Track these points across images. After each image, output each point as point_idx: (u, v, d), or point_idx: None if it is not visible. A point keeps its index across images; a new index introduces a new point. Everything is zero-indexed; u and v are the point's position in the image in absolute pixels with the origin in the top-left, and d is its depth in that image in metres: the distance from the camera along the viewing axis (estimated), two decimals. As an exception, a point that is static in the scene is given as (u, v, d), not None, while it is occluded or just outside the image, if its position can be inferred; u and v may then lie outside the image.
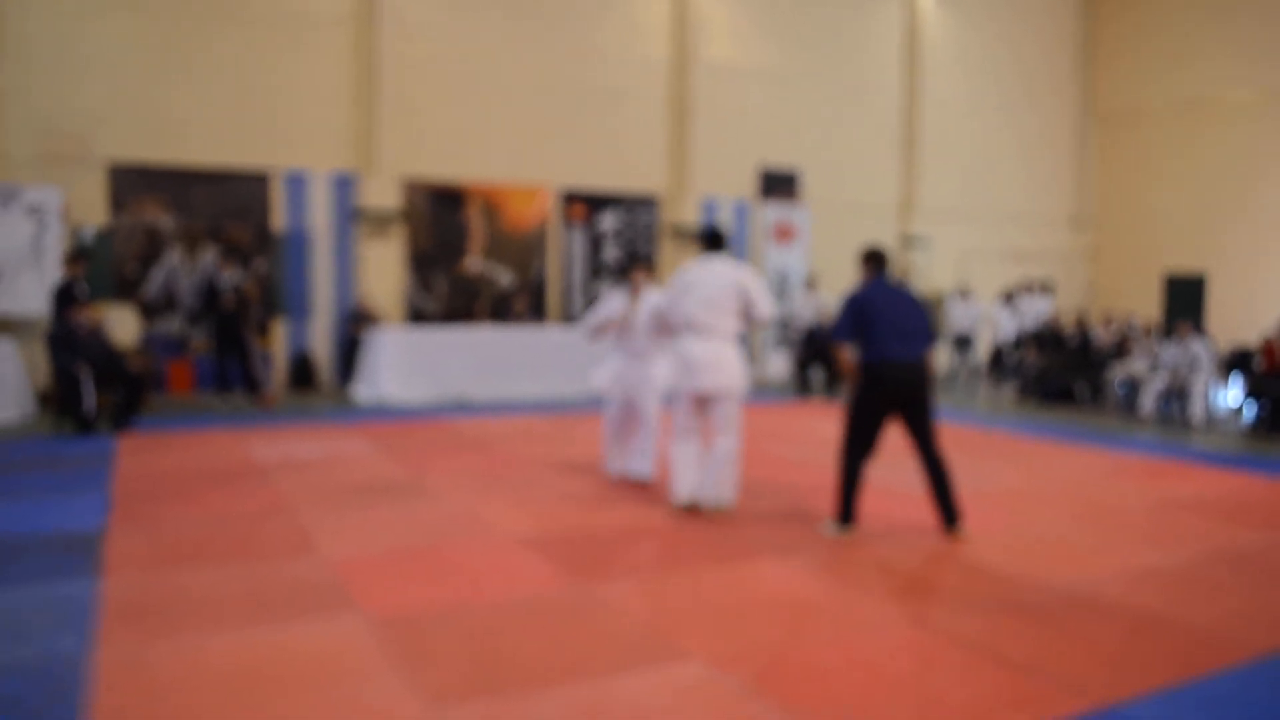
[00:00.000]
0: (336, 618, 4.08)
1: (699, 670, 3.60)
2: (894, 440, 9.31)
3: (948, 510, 5.54)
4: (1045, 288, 16.39)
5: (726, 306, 5.84)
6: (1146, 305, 17.71)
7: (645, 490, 6.67)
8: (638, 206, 14.62)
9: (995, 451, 8.74)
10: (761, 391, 13.32)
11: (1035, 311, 15.30)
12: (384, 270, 12.85)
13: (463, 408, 10.94)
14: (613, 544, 5.35)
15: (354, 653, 3.70)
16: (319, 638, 3.85)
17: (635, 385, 6.69)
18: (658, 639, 3.90)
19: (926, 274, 16.97)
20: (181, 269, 11.77)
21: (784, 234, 15.56)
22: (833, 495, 5.97)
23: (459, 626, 4.00)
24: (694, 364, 5.81)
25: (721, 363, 5.81)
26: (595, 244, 14.35)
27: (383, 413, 10.42)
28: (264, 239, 12.18)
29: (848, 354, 5.54)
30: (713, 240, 6.05)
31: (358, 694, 3.34)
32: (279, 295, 12.32)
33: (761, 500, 6.42)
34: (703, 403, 5.95)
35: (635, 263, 6.98)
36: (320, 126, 12.42)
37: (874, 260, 5.72)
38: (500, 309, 13.64)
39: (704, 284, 5.86)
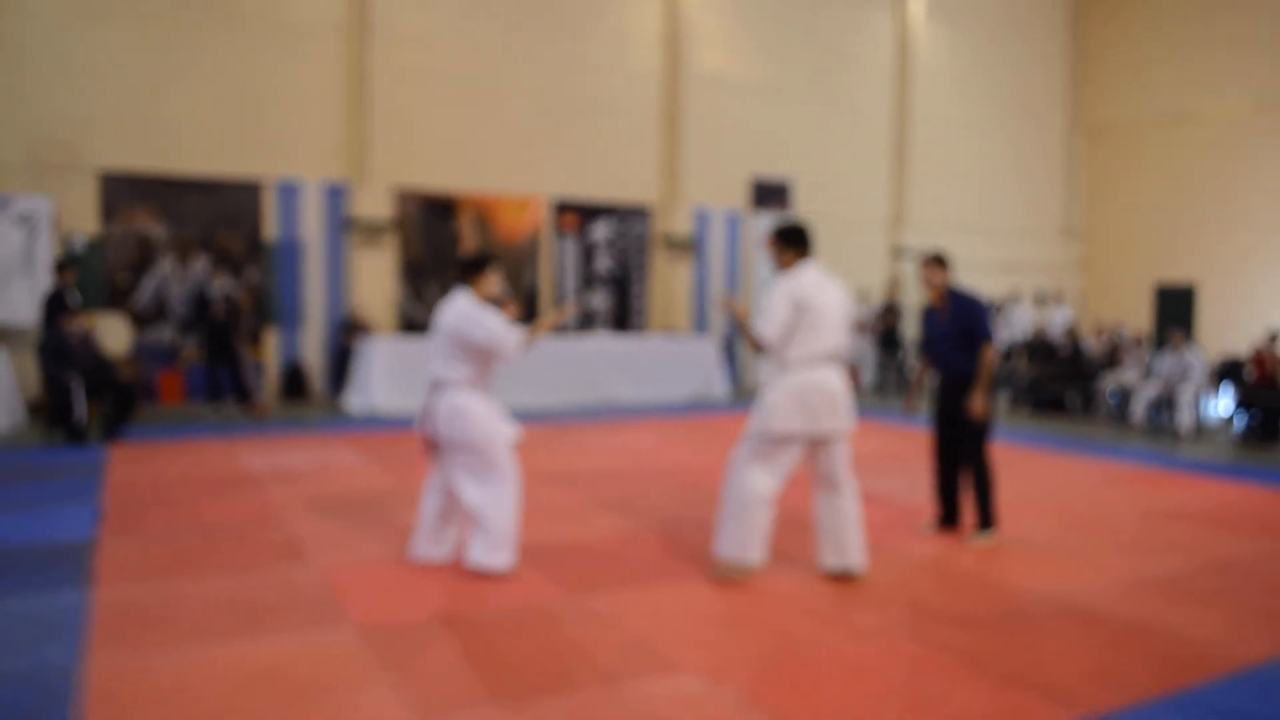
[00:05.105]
0: (328, 627, 4.07)
1: (692, 681, 3.60)
2: (890, 451, 9.34)
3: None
4: (1044, 300, 16.38)
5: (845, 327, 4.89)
6: (1137, 316, 17.80)
7: (635, 503, 6.66)
8: (630, 217, 14.65)
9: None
10: (749, 399, 13.33)
11: (1058, 319, 15.24)
12: (376, 280, 12.84)
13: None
14: (604, 554, 5.34)
15: (345, 662, 3.69)
16: (310, 647, 3.84)
17: None
18: (650, 650, 3.90)
19: (917, 285, 17.03)
20: (173, 278, 11.74)
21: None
22: (972, 505, 5.85)
23: (450, 636, 4.00)
24: (824, 400, 4.70)
25: (845, 398, 4.82)
26: (587, 254, 14.37)
27: (374, 423, 10.40)
28: (255, 248, 12.17)
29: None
30: (805, 241, 4.86)
31: (349, 704, 3.33)
32: (270, 305, 12.30)
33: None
34: (816, 446, 4.83)
35: None
36: (312, 136, 12.42)
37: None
38: (492, 319, 13.62)
39: (831, 300, 4.77)
